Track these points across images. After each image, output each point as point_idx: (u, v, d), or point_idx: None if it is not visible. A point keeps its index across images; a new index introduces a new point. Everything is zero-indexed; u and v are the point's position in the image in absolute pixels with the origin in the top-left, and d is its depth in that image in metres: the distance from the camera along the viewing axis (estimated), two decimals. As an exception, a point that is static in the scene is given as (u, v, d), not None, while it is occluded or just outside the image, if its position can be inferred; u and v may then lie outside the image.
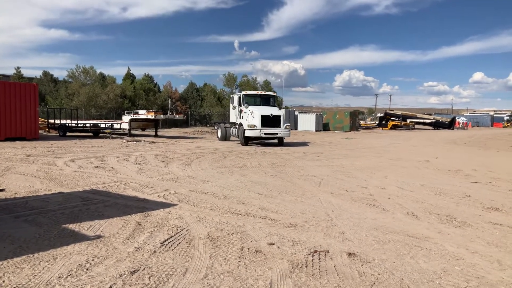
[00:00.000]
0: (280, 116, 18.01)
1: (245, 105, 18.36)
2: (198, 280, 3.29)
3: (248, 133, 17.51)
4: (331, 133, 36.53)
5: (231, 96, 21.92)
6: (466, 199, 6.91)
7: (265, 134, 17.65)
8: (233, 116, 20.15)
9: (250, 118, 17.80)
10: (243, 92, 19.64)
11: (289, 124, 18.94)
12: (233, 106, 19.91)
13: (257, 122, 17.41)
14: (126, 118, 23.78)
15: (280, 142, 18.73)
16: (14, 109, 17.97)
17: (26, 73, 45.13)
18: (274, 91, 27.06)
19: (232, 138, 20.78)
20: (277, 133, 17.92)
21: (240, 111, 18.77)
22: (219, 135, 21.39)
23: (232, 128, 20.06)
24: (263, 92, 20.91)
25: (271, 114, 17.71)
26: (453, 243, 4.42)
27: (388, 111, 58.79)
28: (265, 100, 19.31)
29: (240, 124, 18.29)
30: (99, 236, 4.35)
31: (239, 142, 18.77)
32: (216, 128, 22.95)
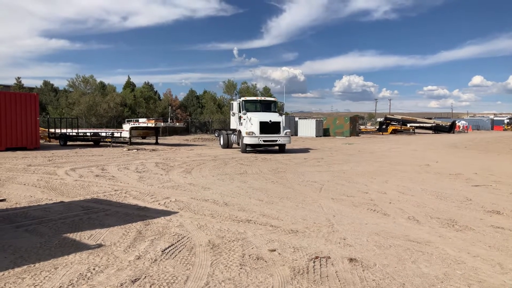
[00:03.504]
0: (279, 123, 17.41)
1: (244, 111, 17.98)
2: (199, 288, 3.29)
3: (247, 140, 17.06)
4: (331, 138, 36.54)
5: (230, 102, 21.64)
6: (467, 203, 6.91)
7: (264, 141, 17.13)
8: (233, 123, 19.88)
9: (248, 125, 17.40)
10: (243, 98, 19.26)
11: (289, 130, 18.37)
12: (233, 113, 19.64)
13: (256, 129, 16.96)
14: (126, 126, 23.83)
15: (281, 149, 18.32)
16: (15, 119, 18.04)
17: (26, 83, 45.52)
18: (274, 97, 26.89)
19: (234, 145, 20.55)
20: (276, 140, 17.39)
21: (240, 118, 18.45)
22: (222, 142, 21.05)
23: (232, 135, 19.85)
24: (263, 98, 20.29)
25: (270, 121, 17.20)
26: (454, 247, 4.42)
27: (388, 116, 58.84)
28: (265, 106, 18.85)
29: (240, 131, 18.02)
30: (100, 245, 4.36)
31: (240, 149, 18.64)
32: (217, 135, 22.83)
